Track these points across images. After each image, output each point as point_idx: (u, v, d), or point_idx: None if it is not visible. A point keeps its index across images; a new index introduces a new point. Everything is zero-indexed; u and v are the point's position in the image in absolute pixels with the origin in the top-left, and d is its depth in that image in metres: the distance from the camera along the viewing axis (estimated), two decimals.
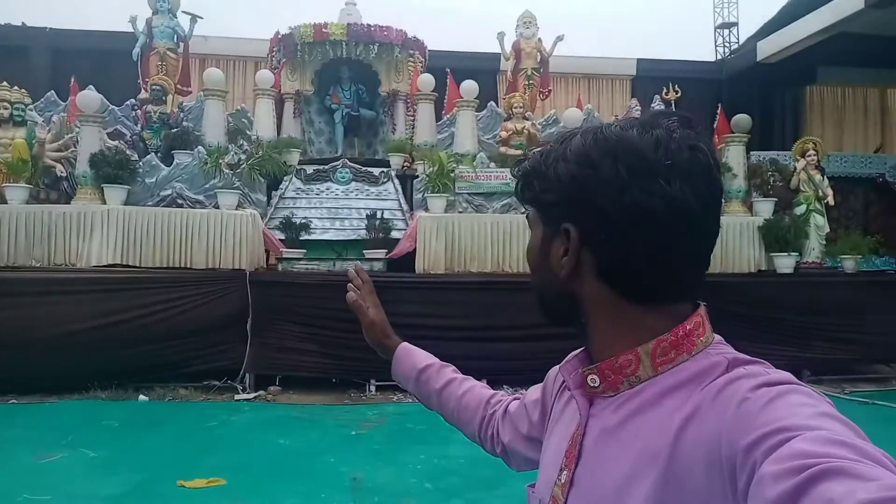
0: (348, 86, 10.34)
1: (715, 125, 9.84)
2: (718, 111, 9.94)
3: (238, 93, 12.40)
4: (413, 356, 1.35)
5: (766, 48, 11.98)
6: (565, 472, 0.81)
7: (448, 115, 9.97)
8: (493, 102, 10.49)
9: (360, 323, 1.40)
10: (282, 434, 5.73)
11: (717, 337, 0.78)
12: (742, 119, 9.27)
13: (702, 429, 0.67)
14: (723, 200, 0.88)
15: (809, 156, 8.81)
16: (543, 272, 0.84)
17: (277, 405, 6.89)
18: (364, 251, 8.11)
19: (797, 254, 8.42)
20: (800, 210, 8.67)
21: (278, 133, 9.74)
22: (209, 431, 5.87)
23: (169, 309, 7.21)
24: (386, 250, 8.09)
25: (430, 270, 8.01)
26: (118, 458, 5.06)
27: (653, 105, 9.51)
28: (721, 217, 0.82)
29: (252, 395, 7.13)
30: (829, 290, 7.95)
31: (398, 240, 8.26)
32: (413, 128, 9.94)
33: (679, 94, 9.69)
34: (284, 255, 7.86)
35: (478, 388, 1.25)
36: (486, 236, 8.19)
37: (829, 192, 8.78)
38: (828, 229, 8.75)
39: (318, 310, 7.38)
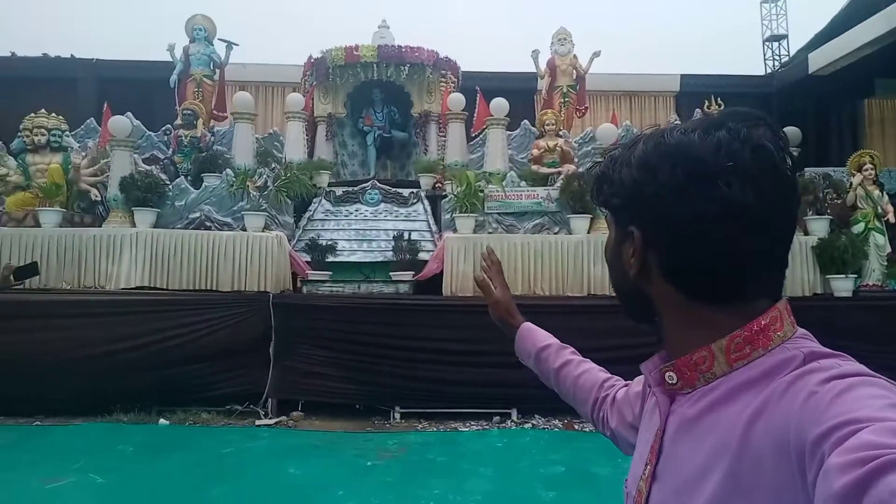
0: (381, 108, 10.28)
1: None
2: None
3: (276, 118, 12.53)
4: (534, 335, 1.43)
5: (818, 60, 11.38)
6: (648, 467, 0.84)
7: (478, 134, 9.77)
8: (527, 121, 10.25)
9: (486, 301, 1.51)
10: (296, 463, 5.50)
11: (801, 331, 0.77)
12: (791, 132, 8.75)
13: (771, 422, 0.67)
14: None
15: (866, 170, 8.20)
16: (617, 271, 0.87)
17: (297, 432, 6.68)
18: (391, 273, 7.91)
19: (856, 275, 7.79)
20: (858, 228, 8.05)
21: (311, 156, 9.73)
22: (222, 459, 5.70)
23: (193, 332, 7.14)
24: (413, 272, 7.87)
25: (458, 293, 7.73)
26: (125, 484, 4.93)
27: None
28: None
29: (273, 421, 6.95)
30: (893, 314, 7.29)
31: (426, 261, 8.03)
32: (444, 148, 9.78)
33: (722, 108, 9.21)
34: (310, 278, 7.72)
35: (594, 371, 1.30)
36: (517, 257, 7.87)
37: (890, 208, 8.13)
38: (889, 249, 8.08)
39: (343, 333, 7.21)
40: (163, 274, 7.60)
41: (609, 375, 1.27)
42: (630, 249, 0.82)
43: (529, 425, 6.91)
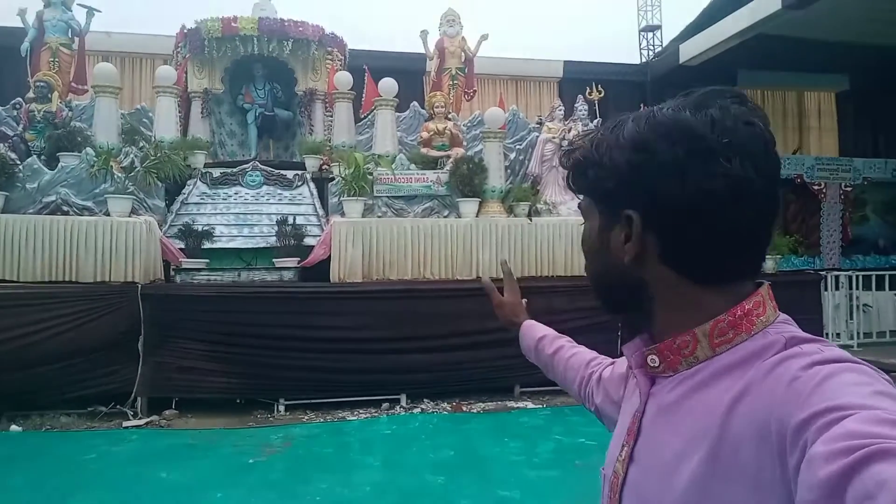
0: (262, 84, 9.73)
1: None
2: None
3: (145, 93, 11.58)
4: (533, 329, 1.49)
5: (688, 51, 12.03)
6: (626, 448, 0.84)
7: (366, 115, 9.50)
8: (416, 103, 10.09)
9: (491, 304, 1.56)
10: (168, 466, 5.11)
11: (783, 316, 0.78)
12: None
13: (752, 407, 0.67)
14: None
15: None
16: (603, 260, 0.84)
17: (170, 432, 6.24)
18: (274, 260, 7.55)
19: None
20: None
21: (184, 134, 9.06)
22: (84, 466, 5.20)
23: (49, 328, 6.50)
24: (298, 259, 7.54)
25: (346, 279, 7.52)
26: None
27: (576, 106, 9.31)
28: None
29: (143, 422, 6.45)
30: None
31: (312, 247, 7.73)
32: (331, 129, 9.44)
33: (602, 95, 9.52)
34: (184, 266, 7.20)
35: (583, 353, 1.34)
36: (407, 241, 7.76)
37: None
38: None
39: (222, 324, 6.81)
40: (13, 265, 6.83)
41: (596, 355, 1.31)
42: (622, 235, 0.80)
43: (419, 410, 6.85)
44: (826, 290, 8.76)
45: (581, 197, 0.88)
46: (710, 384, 0.74)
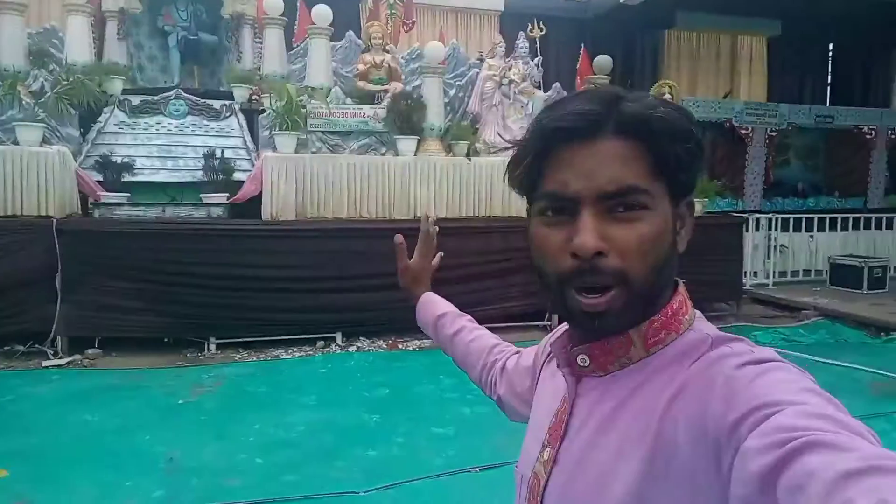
0: (184, 6, 9.03)
1: (577, 66, 9.67)
2: (581, 51, 9.76)
3: (55, 11, 10.60)
4: (433, 304, 1.41)
5: None
6: (548, 449, 0.81)
7: (299, 44, 9.04)
8: (352, 32, 9.62)
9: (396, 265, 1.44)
10: (92, 408, 4.94)
11: (698, 313, 0.79)
12: (603, 60, 9.15)
13: (687, 407, 0.67)
14: None
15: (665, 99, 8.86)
16: (668, 258, 0.75)
17: (94, 371, 6.02)
18: (201, 195, 7.22)
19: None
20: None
21: (99, 58, 8.39)
22: (1, 408, 4.97)
23: None
24: (227, 194, 7.24)
25: (279, 217, 7.30)
26: None
27: (517, 43, 9.12)
28: None
29: (65, 361, 6.19)
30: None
31: (242, 182, 7.42)
32: (261, 57, 8.94)
33: (543, 32, 9.36)
34: (103, 200, 6.80)
35: (485, 337, 1.29)
36: (342, 179, 7.55)
37: None
38: None
39: (147, 262, 6.52)
40: None
41: (499, 341, 1.27)
42: (678, 221, 0.77)
43: (354, 348, 6.85)
44: (747, 231, 9.14)
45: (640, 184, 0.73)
46: (645, 385, 0.73)
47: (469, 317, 1.37)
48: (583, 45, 10.15)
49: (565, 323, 0.85)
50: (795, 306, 8.64)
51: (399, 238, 1.44)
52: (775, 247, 9.76)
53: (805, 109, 11.22)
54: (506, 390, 1.14)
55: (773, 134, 10.74)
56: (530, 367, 1.06)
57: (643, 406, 0.72)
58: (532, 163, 0.76)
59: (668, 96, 8.77)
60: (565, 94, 9.30)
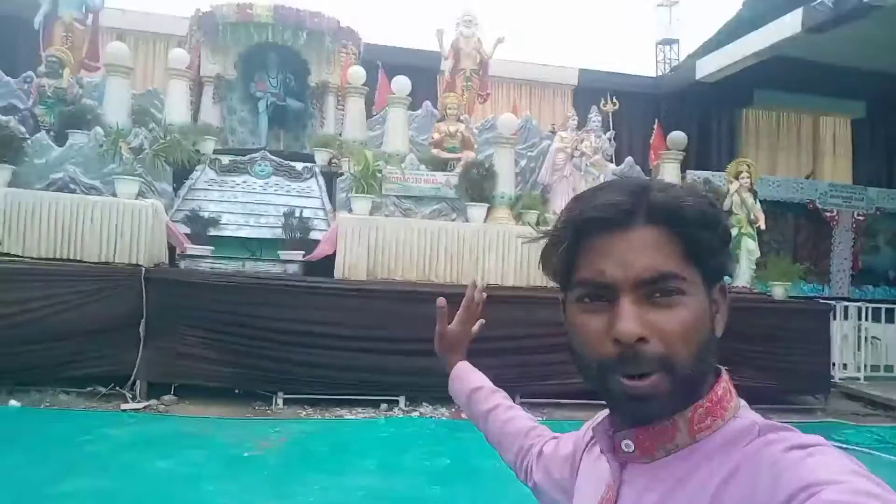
0: (275, 73, 9.68)
1: (651, 141, 9.69)
2: (655, 127, 9.80)
3: (157, 74, 11.51)
4: (468, 376, 1.38)
5: (705, 67, 11.98)
6: None
7: (379, 112, 9.45)
8: (429, 102, 10.04)
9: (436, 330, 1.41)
10: (163, 454, 5.07)
11: (742, 401, 0.79)
12: (678, 136, 9.14)
13: (737, 492, 0.67)
14: None
15: (743, 178, 8.72)
16: (709, 342, 0.76)
17: (168, 417, 6.20)
18: (279, 252, 7.50)
19: (728, 277, 8.27)
20: (732, 233, 8.53)
21: (195, 119, 9.02)
22: (79, 448, 5.15)
23: (53, 305, 6.45)
24: (303, 252, 7.50)
25: (350, 276, 7.47)
26: None
27: (589, 116, 9.26)
28: None
29: (142, 405, 6.41)
30: (758, 316, 7.81)
31: (318, 241, 7.68)
32: (342, 123, 9.39)
33: (616, 107, 9.48)
34: (189, 252, 7.16)
35: (521, 418, 1.26)
36: (413, 242, 7.71)
37: (761, 215, 8.70)
38: (759, 254, 8.67)
39: (225, 313, 6.76)
40: (18, 239, 6.78)
41: (536, 424, 1.23)
42: (715, 305, 0.79)
43: (417, 413, 6.81)
44: (835, 319, 8.71)
45: (677, 269, 0.75)
46: (693, 474, 0.73)
47: (504, 393, 1.34)
48: (657, 120, 10.20)
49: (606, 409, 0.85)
50: (891, 405, 8.02)
51: (441, 301, 1.37)
52: (866, 338, 9.21)
53: (895, 194, 10.79)
54: (542, 477, 1.11)
55: (861, 218, 10.35)
56: (570, 455, 1.03)
57: (692, 495, 0.71)
58: (566, 251, 0.78)
59: (745, 175, 8.65)
60: (638, 168, 9.35)
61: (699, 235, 0.74)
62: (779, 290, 8.20)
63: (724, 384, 0.77)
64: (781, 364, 7.59)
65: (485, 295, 1.43)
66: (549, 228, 0.83)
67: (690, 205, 0.75)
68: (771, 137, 13.02)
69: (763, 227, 8.72)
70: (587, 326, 0.76)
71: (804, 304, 8.52)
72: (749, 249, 8.50)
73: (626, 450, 0.78)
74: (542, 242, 0.83)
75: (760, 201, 8.97)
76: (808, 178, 11.69)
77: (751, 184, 8.75)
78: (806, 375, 7.81)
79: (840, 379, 8.84)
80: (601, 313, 0.75)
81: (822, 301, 8.95)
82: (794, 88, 12.10)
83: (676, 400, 0.74)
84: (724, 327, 0.80)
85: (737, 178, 8.77)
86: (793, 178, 11.30)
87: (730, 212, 8.68)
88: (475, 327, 1.42)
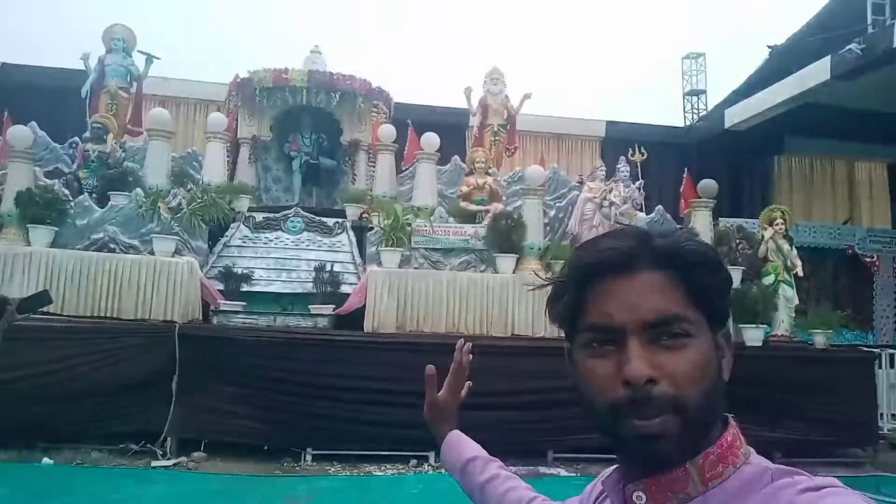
0: (309, 133, 10.00)
1: (681, 189, 9.63)
2: (685, 176, 9.75)
3: (197, 137, 11.98)
4: (462, 446, 1.34)
5: (734, 115, 11.98)
6: None
7: (407, 167, 9.64)
8: (457, 157, 10.19)
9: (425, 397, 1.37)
10: None
11: (750, 448, 0.78)
12: (708, 184, 9.07)
13: None
14: None
15: (777, 224, 8.57)
16: (717, 385, 0.76)
17: (197, 475, 6.18)
18: (310, 306, 7.57)
19: (766, 326, 8.05)
20: (768, 280, 8.35)
21: (231, 179, 9.31)
22: None
23: (88, 362, 6.61)
24: (333, 305, 7.56)
25: (380, 329, 7.48)
26: None
27: (618, 167, 9.28)
28: None
29: (172, 462, 6.41)
30: (800, 365, 7.54)
31: (348, 295, 7.74)
32: (373, 179, 9.59)
33: (645, 157, 9.49)
34: (222, 308, 7.27)
35: (520, 489, 1.21)
36: (442, 294, 7.71)
37: (798, 262, 8.50)
38: (797, 301, 8.42)
39: (255, 368, 6.80)
40: (57, 298, 6.95)
41: (536, 495, 1.18)
42: (721, 350, 0.79)
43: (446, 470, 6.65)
44: (880, 368, 8.36)
45: (684, 312, 0.76)
46: None
47: (499, 462, 1.30)
48: (686, 169, 10.16)
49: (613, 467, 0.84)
50: None
51: (431, 369, 1.35)
52: None
53: None
54: None
55: None
56: None
57: None
58: (573, 297, 0.79)
59: (780, 221, 8.51)
60: (668, 216, 9.28)
61: (702, 279, 0.76)
62: (820, 338, 7.92)
63: (734, 430, 0.77)
64: (826, 415, 7.26)
65: (471, 357, 1.39)
66: (553, 276, 0.84)
67: (693, 249, 0.77)
68: (805, 183, 12.83)
69: (800, 273, 8.50)
70: (596, 371, 0.76)
71: (848, 352, 8.21)
72: (787, 297, 8.27)
73: (637, 502, 0.77)
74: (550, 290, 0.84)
75: (797, 248, 8.78)
76: (845, 223, 11.42)
77: (786, 230, 8.58)
78: (852, 427, 7.45)
79: (889, 430, 8.41)
80: (610, 357, 0.75)
81: (865, 349, 8.59)
82: (826, 134, 11.99)
83: (687, 443, 0.73)
84: (730, 372, 0.79)
85: (771, 224, 8.62)
86: (829, 224, 11.07)
87: (765, 259, 8.51)
88: (463, 392, 1.38)
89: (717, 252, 0.80)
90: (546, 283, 0.86)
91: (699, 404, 0.73)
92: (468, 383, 1.39)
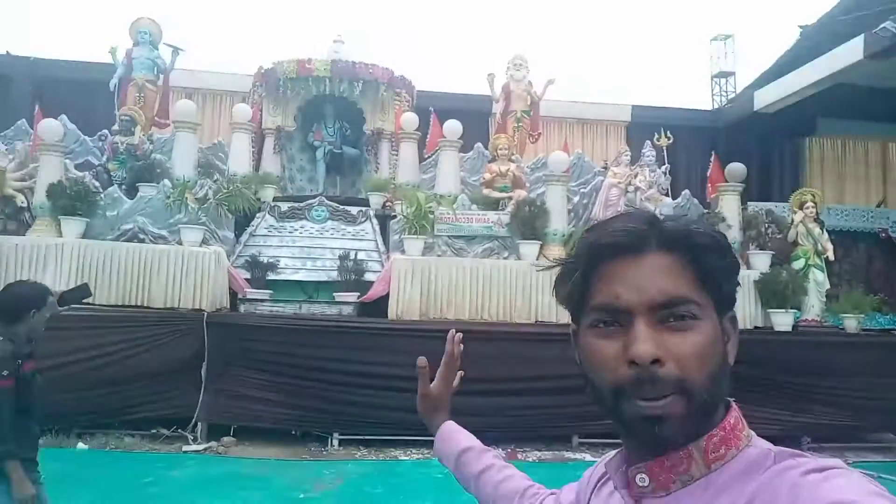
0: (332, 123, 10.04)
1: (708, 173, 9.48)
2: (712, 159, 9.59)
3: (223, 128, 12.11)
4: (455, 437, 1.33)
5: (764, 98, 11.70)
6: None
7: (430, 155, 9.63)
8: (480, 144, 10.16)
9: (418, 390, 1.37)
10: (220, 495, 5.16)
11: (752, 431, 0.79)
12: (736, 168, 8.91)
13: None
14: None
15: (808, 208, 8.40)
16: (722, 368, 0.77)
17: (227, 459, 6.32)
18: (334, 294, 7.65)
19: (796, 311, 7.91)
20: (798, 264, 8.19)
21: (257, 169, 9.41)
22: (141, 490, 5.30)
23: (120, 350, 6.76)
24: (358, 293, 7.62)
25: (404, 316, 7.52)
26: None
27: (643, 151, 9.17)
28: None
29: (202, 447, 6.56)
30: (830, 350, 7.41)
31: (372, 282, 7.79)
32: (396, 167, 9.61)
33: (671, 141, 9.35)
34: (248, 296, 7.38)
35: (516, 478, 1.20)
36: (465, 281, 7.73)
37: (829, 246, 8.32)
38: (828, 285, 8.25)
39: (282, 355, 6.91)
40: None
41: (532, 483, 1.17)
42: (726, 334, 0.79)
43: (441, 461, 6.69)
44: None
45: (689, 295, 0.76)
46: (713, 501, 0.72)
47: (494, 452, 1.28)
48: (713, 153, 9.99)
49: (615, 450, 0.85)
50: None
51: (422, 361, 1.34)
52: None
53: None
54: None
55: None
56: (574, 503, 0.99)
57: None
58: (581, 278, 0.79)
59: (810, 205, 8.34)
60: (695, 200, 9.14)
61: (710, 262, 0.76)
62: (852, 323, 7.75)
63: (736, 413, 0.77)
64: (856, 400, 7.13)
65: (462, 347, 1.37)
66: (562, 257, 0.84)
67: (701, 232, 0.77)
68: (837, 166, 12.52)
69: (832, 257, 8.32)
70: (602, 351, 0.76)
71: (880, 336, 8.03)
72: (818, 281, 8.11)
73: (640, 484, 0.77)
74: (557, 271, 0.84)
75: (829, 231, 8.59)
76: (878, 206, 11.13)
77: (816, 214, 8.41)
78: (883, 412, 7.30)
79: None
80: (616, 338, 0.75)
81: None
82: (859, 116, 11.66)
83: (691, 425, 0.74)
84: (734, 356, 0.79)
85: (801, 208, 8.45)
86: (862, 207, 10.79)
87: (794, 243, 8.34)
88: (455, 381, 1.38)
89: (725, 236, 0.81)
90: (555, 263, 0.86)
91: (704, 387, 0.73)
92: (460, 373, 1.38)
